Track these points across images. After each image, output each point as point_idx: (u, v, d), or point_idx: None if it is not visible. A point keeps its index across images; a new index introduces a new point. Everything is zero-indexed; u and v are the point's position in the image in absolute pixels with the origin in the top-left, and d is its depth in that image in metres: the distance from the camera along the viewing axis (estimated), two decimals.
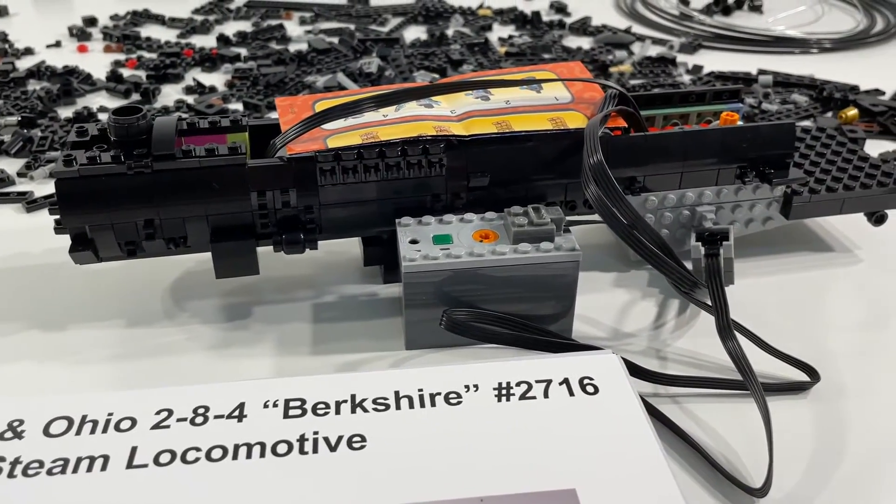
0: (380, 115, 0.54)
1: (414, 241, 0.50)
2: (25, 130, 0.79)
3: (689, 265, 0.56)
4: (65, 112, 0.84)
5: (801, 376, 0.49)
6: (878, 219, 0.60)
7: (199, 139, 0.54)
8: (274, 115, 0.85)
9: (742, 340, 0.49)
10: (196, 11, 1.19)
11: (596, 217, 0.50)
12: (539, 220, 0.50)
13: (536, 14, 1.15)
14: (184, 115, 0.67)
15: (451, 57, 0.99)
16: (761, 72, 0.96)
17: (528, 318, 0.51)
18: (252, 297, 0.57)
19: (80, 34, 1.06)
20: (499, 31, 1.13)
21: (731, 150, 0.56)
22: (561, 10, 1.21)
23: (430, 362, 0.50)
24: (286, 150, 0.51)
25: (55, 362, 0.50)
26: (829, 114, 0.86)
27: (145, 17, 1.15)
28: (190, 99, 0.88)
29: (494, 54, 1.02)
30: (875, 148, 0.78)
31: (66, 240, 0.52)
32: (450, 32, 1.11)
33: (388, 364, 0.50)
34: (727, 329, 0.48)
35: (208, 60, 0.98)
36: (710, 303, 0.51)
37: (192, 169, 0.49)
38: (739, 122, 0.59)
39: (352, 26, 1.13)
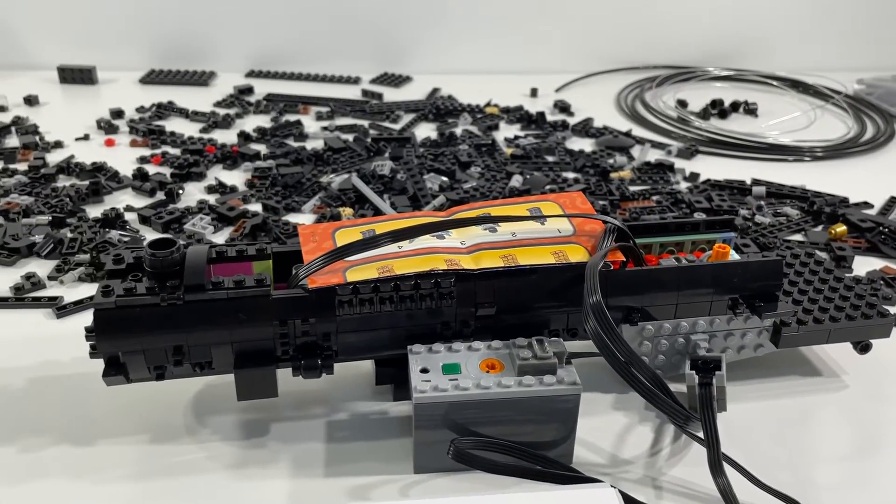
0: (395, 246, 0.58)
1: (424, 370, 0.54)
2: (55, 230, 0.83)
3: (683, 389, 0.59)
4: (93, 211, 0.89)
5: None
6: (862, 347, 0.64)
7: (227, 267, 0.58)
8: (292, 217, 0.89)
9: (732, 472, 0.52)
10: (218, 104, 1.25)
11: (596, 350, 0.53)
12: (542, 353, 0.54)
13: (541, 114, 1.21)
14: (216, 240, 0.71)
15: (459, 158, 1.04)
16: (755, 182, 1.01)
17: (530, 444, 0.54)
18: (269, 413, 0.60)
19: (108, 127, 1.12)
20: (505, 131, 1.19)
21: (722, 283, 0.60)
22: (564, 109, 1.27)
23: (437, 488, 0.53)
24: (308, 281, 0.55)
25: (83, 480, 0.53)
26: (820, 227, 0.90)
27: (169, 109, 1.21)
28: (212, 199, 0.93)
29: (501, 155, 1.07)
30: (863, 265, 0.82)
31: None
32: (458, 131, 1.16)
33: (397, 488, 0.53)
34: (718, 465, 0.51)
35: (229, 158, 1.03)
36: (702, 436, 0.54)
37: (221, 300, 0.53)
38: (731, 253, 0.63)
39: (366, 123, 1.19)
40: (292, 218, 0.89)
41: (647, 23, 1.47)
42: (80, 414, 0.59)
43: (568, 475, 0.52)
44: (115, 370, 0.53)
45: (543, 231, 0.61)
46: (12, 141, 1.08)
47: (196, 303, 0.53)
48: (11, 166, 0.99)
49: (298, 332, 0.55)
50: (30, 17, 1.36)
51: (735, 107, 1.29)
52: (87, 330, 0.53)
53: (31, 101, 1.22)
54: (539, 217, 0.62)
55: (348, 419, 0.59)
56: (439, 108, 1.24)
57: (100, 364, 0.63)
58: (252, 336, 0.54)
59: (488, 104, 1.27)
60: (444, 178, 0.98)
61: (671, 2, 1.46)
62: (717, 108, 1.27)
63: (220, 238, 0.85)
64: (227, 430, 0.58)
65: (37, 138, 1.07)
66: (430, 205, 0.91)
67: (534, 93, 1.34)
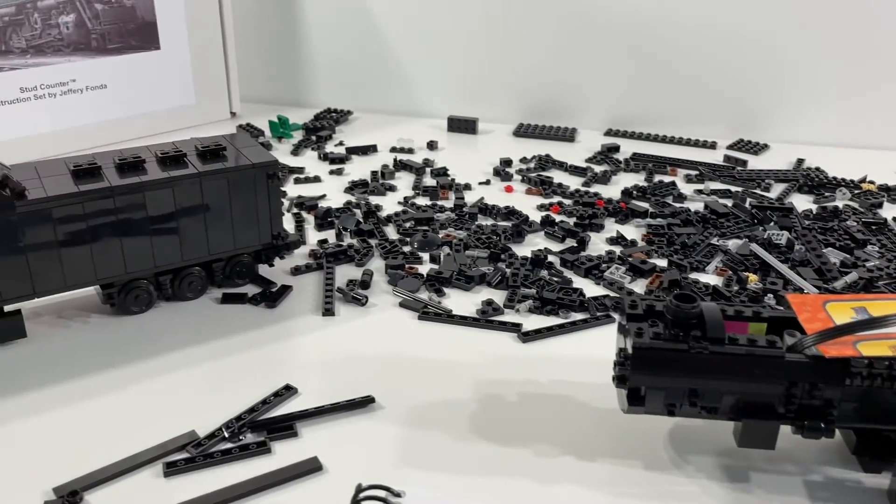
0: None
1: None
2: (494, 264, 0.97)
3: None
4: (518, 251, 1.01)
5: None
6: None
7: (726, 325, 0.64)
8: (699, 276, 0.95)
9: None
10: (588, 160, 1.36)
11: None
12: None
13: None
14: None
15: (853, 235, 1.04)
16: None
17: None
18: (743, 461, 0.65)
19: (504, 175, 1.27)
20: (890, 209, 1.16)
21: None
22: None
23: None
24: (821, 350, 0.59)
25: (597, 490, 0.62)
26: None
27: (548, 162, 1.34)
28: (617, 250, 1.02)
29: None
30: None
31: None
32: (839, 205, 1.15)
33: None
34: None
35: (619, 213, 1.12)
36: None
37: (739, 355, 0.60)
38: None
39: (738, 189, 1.22)
40: (700, 277, 0.95)
41: None
42: (574, 431, 0.69)
43: None
44: (638, 402, 0.62)
45: None
46: (427, 180, 1.27)
47: (717, 354, 0.60)
48: (438, 203, 1.17)
49: (804, 394, 0.60)
50: (426, 74, 1.59)
51: None
52: (617, 363, 0.63)
53: (431, 145, 1.42)
54: None
55: (823, 482, 0.63)
56: (812, 180, 1.24)
57: (575, 389, 0.74)
58: (761, 391, 0.60)
59: (864, 180, 1.25)
60: (847, 255, 0.99)
61: None
62: None
63: (636, 289, 0.93)
64: (709, 469, 0.64)
65: (450, 179, 1.25)
66: (842, 281, 0.92)
67: None
